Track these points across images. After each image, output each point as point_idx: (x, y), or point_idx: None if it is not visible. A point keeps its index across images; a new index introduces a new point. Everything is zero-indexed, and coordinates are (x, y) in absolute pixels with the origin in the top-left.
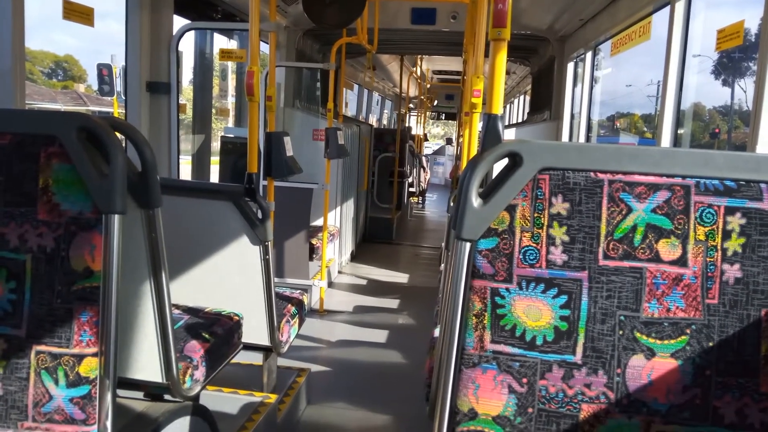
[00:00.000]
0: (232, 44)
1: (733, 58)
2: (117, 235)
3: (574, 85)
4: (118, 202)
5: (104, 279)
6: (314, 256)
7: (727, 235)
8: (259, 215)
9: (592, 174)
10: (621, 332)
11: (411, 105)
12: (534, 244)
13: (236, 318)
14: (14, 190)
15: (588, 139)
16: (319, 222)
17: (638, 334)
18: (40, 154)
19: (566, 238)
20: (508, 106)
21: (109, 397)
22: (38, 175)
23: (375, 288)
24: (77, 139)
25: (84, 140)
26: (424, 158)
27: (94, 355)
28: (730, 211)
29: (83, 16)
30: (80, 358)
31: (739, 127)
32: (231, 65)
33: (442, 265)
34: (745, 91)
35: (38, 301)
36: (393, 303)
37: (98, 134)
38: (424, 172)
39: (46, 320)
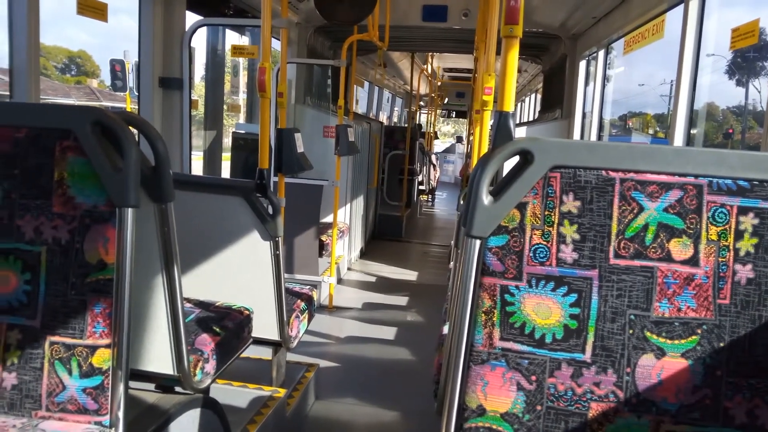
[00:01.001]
0: (244, 40)
1: (748, 57)
2: (130, 229)
3: (586, 83)
4: (132, 196)
5: (117, 271)
6: (324, 252)
7: (739, 235)
8: (270, 211)
9: (603, 172)
10: (631, 331)
11: (421, 102)
12: (544, 242)
13: (246, 312)
14: (30, 182)
15: (599, 138)
16: (329, 219)
17: (648, 334)
18: (56, 147)
19: (577, 237)
20: (519, 104)
21: (121, 388)
22: (53, 169)
23: (384, 285)
24: (92, 133)
25: (98, 134)
26: (434, 156)
27: (107, 346)
28: (743, 211)
29: (97, 11)
30: (93, 349)
31: (753, 128)
32: (242, 61)
33: (451, 263)
34: (759, 92)
35: (53, 293)
36: (402, 300)
37: (112, 128)
38: (434, 170)
39: (61, 311)
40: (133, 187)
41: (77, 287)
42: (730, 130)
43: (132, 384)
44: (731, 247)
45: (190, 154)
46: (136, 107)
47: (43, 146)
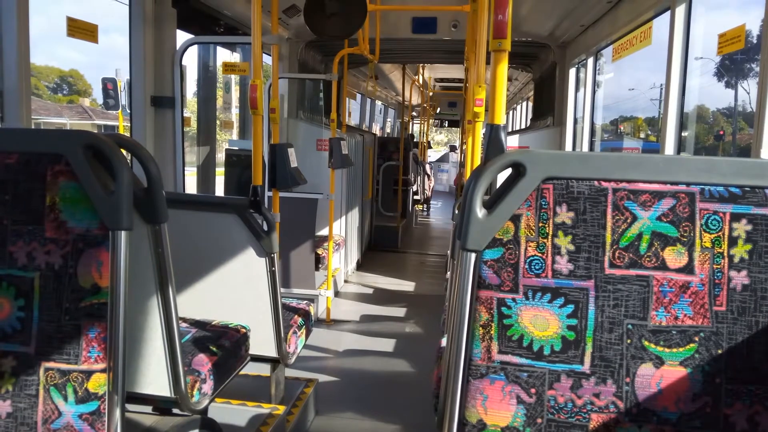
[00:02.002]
0: (235, 57)
1: (736, 59)
2: (124, 251)
3: (577, 90)
4: (125, 219)
5: (112, 295)
6: (320, 265)
7: (733, 241)
8: (265, 227)
9: (596, 183)
10: (629, 341)
11: (414, 113)
12: (539, 254)
13: (243, 330)
14: (22, 208)
15: (592, 143)
16: (324, 232)
17: (646, 343)
18: (47, 172)
19: (571, 248)
20: (510, 112)
21: (118, 412)
22: (45, 194)
23: (381, 297)
24: (83, 156)
25: (90, 158)
26: (428, 166)
27: (103, 371)
28: (735, 217)
29: (87, 33)
30: (89, 374)
31: (744, 129)
32: (234, 77)
33: (448, 272)
34: (748, 93)
35: (47, 319)
36: (400, 311)
37: (104, 152)
38: (428, 179)
39: (55, 337)
40: (125, 209)
41: (71, 312)
42: (721, 132)
43: (129, 407)
44: (725, 254)
45: (184, 173)
46: (129, 125)
47: (35, 171)
